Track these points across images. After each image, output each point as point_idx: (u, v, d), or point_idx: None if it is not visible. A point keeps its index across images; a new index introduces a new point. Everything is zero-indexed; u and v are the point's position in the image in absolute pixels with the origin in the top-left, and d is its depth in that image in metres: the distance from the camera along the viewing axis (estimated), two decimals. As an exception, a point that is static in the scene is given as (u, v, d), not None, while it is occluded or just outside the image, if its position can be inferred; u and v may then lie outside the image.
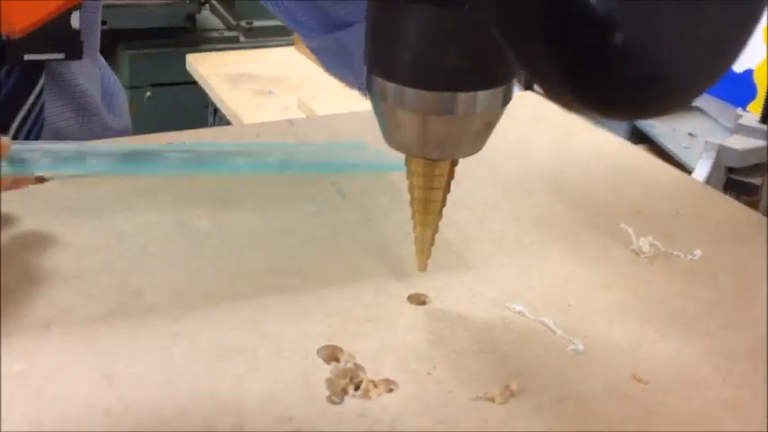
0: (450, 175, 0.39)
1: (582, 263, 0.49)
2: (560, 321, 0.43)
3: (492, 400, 0.37)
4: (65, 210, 0.51)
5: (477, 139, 0.36)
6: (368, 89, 0.36)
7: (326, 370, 0.38)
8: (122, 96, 0.81)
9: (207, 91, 1.30)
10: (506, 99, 0.35)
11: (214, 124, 1.42)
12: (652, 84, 0.24)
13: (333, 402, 0.37)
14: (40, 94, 0.67)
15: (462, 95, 0.34)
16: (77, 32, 0.65)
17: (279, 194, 0.56)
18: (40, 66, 0.66)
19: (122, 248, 0.48)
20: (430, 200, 0.39)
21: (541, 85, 0.24)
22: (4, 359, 0.38)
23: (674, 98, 0.24)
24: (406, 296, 0.45)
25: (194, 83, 1.37)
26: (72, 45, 0.66)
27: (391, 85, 0.34)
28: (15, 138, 0.66)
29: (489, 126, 0.36)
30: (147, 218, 0.51)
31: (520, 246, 0.51)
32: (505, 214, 0.55)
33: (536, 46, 0.24)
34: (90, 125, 0.72)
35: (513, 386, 0.38)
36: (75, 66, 0.68)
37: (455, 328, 0.42)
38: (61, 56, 0.66)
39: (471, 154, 0.37)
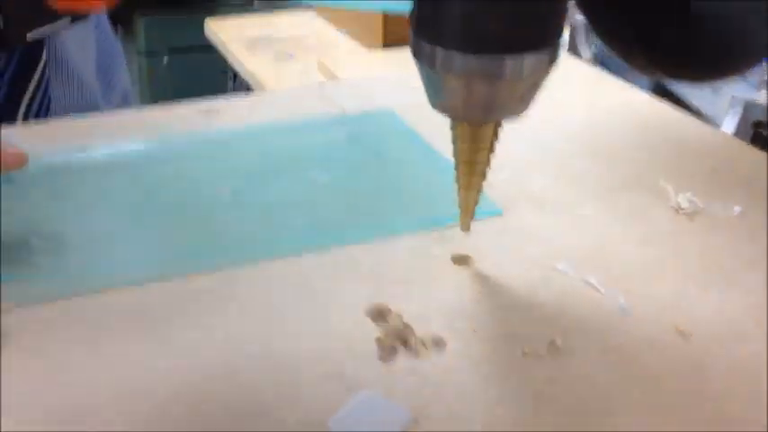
0: (495, 136, 0.39)
1: (622, 220, 0.50)
2: (602, 278, 0.44)
3: (539, 356, 0.38)
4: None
5: (524, 101, 0.37)
6: (414, 54, 0.36)
7: (375, 329, 0.39)
8: (119, 57, 0.79)
9: (226, 56, 1.29)
10: (552, 60, 0.36)
11: (234, 89, 1.42)
12: (726, 49, 0.24)
13: (383, 360, 0.38)
14: (43, 74, 0.66)
15: (509, 59, 0.34)
16: None
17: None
18: (40, 45, 0.65)
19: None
20: (476, 161, 0.39)
21: (616, 52, 0.25)
22: (64, 322, 0.39)
23: (746, 60, 0.25)
24: (450, 256, 0.45)
25: (211, 48, 1.37)
26: None
27: (439, 50, 0.35)
28: (26, 119, 0.66)
29: (536, 87, 0.36)
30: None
31: (560, 205, 0.51)
32: (544, 175, 0.55)
33: (612, 13, 0.24)
34: (84, 100, 0.72)
35: (559, 342, 0.39)
36: (68, 39, 0.68)
37: (499, 287, 0.43)
38: (68, 20, 0.65)
39: (518, 115, 0.37)
